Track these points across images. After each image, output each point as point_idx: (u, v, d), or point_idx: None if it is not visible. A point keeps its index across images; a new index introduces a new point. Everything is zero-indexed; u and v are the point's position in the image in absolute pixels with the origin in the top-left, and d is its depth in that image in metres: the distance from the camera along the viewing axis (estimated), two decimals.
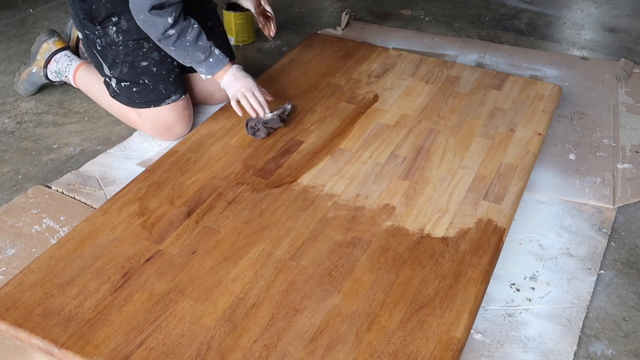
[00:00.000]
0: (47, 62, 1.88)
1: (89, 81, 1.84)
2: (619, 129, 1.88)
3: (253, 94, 1.63)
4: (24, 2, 2.59)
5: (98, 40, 1.67)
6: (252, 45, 2.33)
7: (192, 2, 1.73)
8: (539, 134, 1.68)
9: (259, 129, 1.61)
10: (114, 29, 1.63)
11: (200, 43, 1.58)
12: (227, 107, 1.76)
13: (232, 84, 1.64)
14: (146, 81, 1.68)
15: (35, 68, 1.90)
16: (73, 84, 1.90)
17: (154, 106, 1.70)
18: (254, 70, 2.13)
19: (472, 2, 2.71)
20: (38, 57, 1.89)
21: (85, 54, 1.98)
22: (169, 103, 1.71)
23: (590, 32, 2.48)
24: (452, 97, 1.83)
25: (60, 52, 1.88)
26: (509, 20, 2.56)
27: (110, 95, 1.75)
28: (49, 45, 1.88)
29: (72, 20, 2.00)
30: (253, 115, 1.63)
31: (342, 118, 1.72)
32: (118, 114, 1.82)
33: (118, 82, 1.70)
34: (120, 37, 1.64)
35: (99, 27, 1.64)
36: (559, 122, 1.90)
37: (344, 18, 2.44)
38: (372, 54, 2.05)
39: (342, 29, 2.41)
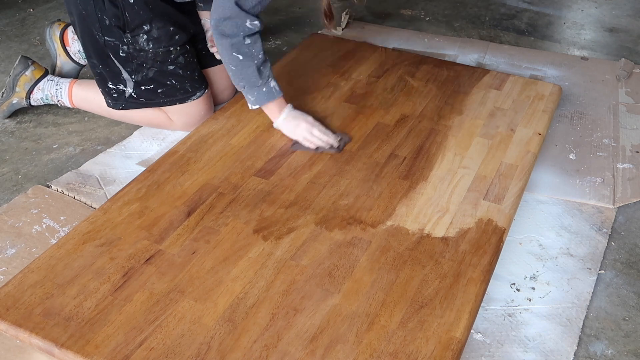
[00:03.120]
0: (30, 92, 1.82)
1: (92, 95, 1.80)
2: (619, 129, 1.88)
3: (312, 133, 1.58)
4: (24, 2, 2.59)
5: (124, 47, 1.64)
6: None
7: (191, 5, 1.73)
8: (539, 134, 1.68)
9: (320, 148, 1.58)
10: (145, 37, 1.62)
11: (264, 66, 1.54)
12: (227, 107, 1.76)
13: (289, 124, 1.59)
14: (173, 81, 1.70)
15: (15, 99, 1.83)
16: (68, 105, 1.84)
17: (179, 103, 1.73)
18: None
19: (472, 2, 2.71)
20: (17, 89, 1.82)
21: (82, 61, 1.95)
22: (194, 99, 1.74)
23: (590, 32, 2.48)
24: (452, 97, 1.83)
25: (41, 79, 1.83)
26: (509, 20, 2.56)
27: (118, 108, 1.73)
28: (27, 76, 1.82)
29: (48, 30, 1.94)
30: (324, 144, 1.58)
31: (342, 118, 1.72)
32: (138, 120, 1.80)
33: (137, 85, 1.69)
34: (151, 45, 1.64)
35: (128, 35, 1.62)
36: (559, 122, 1.90)
37: (344, 18, 2.44)
38: (372, 54, 2.05)
39: (342, 29, 2.41)
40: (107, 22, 1.61)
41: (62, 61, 1.94)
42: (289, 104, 1.61)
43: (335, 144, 1.58)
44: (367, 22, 2.49)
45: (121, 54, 1.65)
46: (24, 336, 1.12)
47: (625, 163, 1.73)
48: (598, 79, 2.13)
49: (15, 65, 1.83)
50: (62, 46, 1.94)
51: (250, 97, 1.57)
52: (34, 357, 1.19)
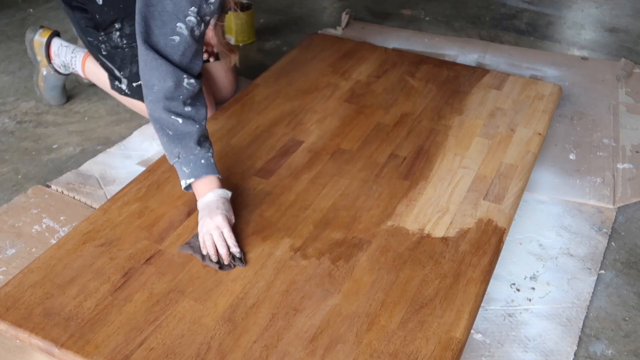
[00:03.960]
0: (49, 57, 1.83)
1: (102, 73, 1.79)
2: (619, 129, 1.88)
3: (222, 233, 1.26)
4: (24, 2, 2.59)
5: (102, 45, 1.67)
6: (252, 45, 2.33)
7: None
8: (539, 134, 1.68)
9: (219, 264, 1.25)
10: (117, 33, 1.64)
11: (204, 136, 1.32)
12: (227, 107, 1.76)
13: (203, 211, 1.29)
14: None
15: (44, 70, 1.85)
16: (82, 75, 1.86)
17: None
18: (254, 70, 2.14)
19: (472, 2, 2.71)
20: (38, 57, 1.85)
21: (64, 70, 1.95)
22: None
23: (590, 32, 2.48)
24: (452, 97, 1.83)
25: (51, 40, 1.82)
26: (509, 20, 2.56)
27: (122, 93, 1.75)
28: (38, 39, 1.83)
29: (28, 35, 1.92)
30: (212, 254, 1.25)
31: (342, 118, 1.72)
32: (141, 108, 1.80)
33: (129, 82, 1.70)
34: (125, 41, 1.65)
35: (102, 34, 1.65)
36: (559, 122, 1.90)
37: (344, 18, 2.44)
38: (372, 54, 2.05)
39: (342, 29, 2.41)
40: (83, 24, 1.65)
41: (45, 72, 1.88)
42: (222, 189, 1.32)
43: (230, 260, 1.25)
44: (367, 22, 2.49)
45: (104, 52, 1.68)
46: (24, 336, 1.12)
47: (625, 163, 1.73)
48: (598, 79, 2.13)
49: (25, 37, 1.85)
50: (47, 60, 1.88)
51: (185, 168, 1.30)
52: (34, 357, 1.19)
